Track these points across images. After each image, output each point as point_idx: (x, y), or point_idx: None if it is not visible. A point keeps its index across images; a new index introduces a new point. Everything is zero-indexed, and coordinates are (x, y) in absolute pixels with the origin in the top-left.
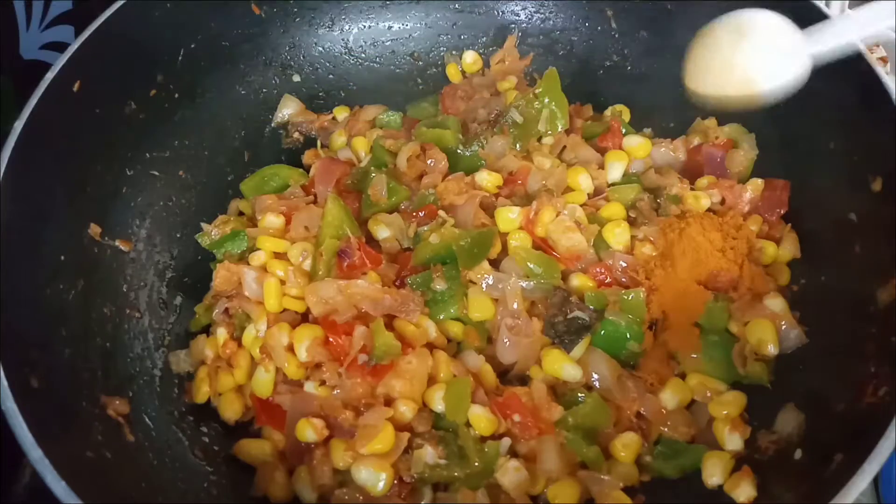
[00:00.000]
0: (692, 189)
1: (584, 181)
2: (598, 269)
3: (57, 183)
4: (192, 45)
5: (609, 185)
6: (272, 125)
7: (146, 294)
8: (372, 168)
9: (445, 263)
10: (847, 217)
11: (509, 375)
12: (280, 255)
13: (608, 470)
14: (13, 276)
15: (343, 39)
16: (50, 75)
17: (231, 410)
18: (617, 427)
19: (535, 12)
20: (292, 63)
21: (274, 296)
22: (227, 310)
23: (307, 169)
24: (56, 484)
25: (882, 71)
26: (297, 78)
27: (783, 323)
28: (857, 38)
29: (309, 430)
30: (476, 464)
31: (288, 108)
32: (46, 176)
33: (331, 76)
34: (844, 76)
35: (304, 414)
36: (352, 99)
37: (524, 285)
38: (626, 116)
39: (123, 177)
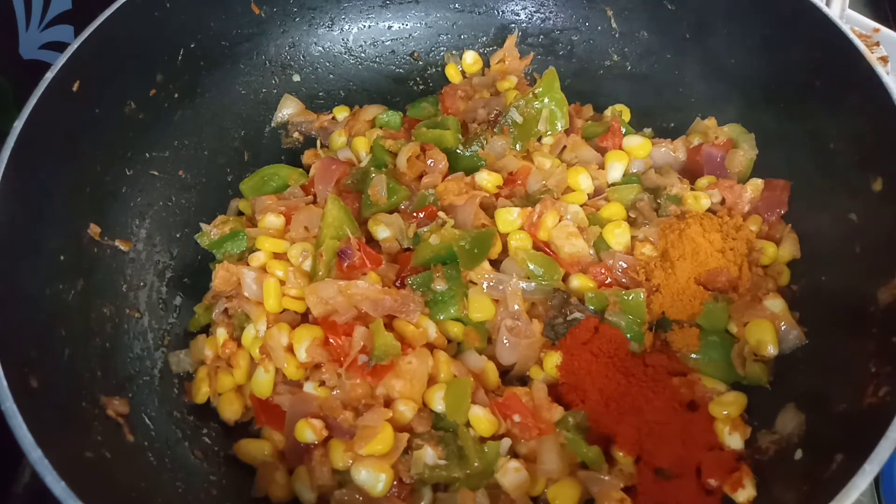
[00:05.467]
0: (692, 189)
1: (584, 181)
2: (598, 270)
3: (57, 183)
4: (192, 45)
5: (609, 185)
6: (272, 125)
7: (146, 294)
8: (372, 168)
9: (445, 264)
10: (847, 217)
11: (509, 376)
12: (280, 256)
13: (608, 470)
14: (13, 276)
15: (343, 39)
16: (49, 75)
17: (231, 410)
18: None
19: (535, 12)
20: (292, 63)
21: (273, 296)
22: (226, 310)
23: (307, 169)
24: (56, 484)
25: (882, 71)
26: (297, 78)
27: (783, 323)
28: None
29: (308, 431)
30: (476, 464)
31: (288, 108)
32: (46, 176)
33: (331, 76)
34: (845, 76)
35: (304, 414)
36: (352, 99)
37: (525, 286)
38: (626, 116)
39: (123, 177)
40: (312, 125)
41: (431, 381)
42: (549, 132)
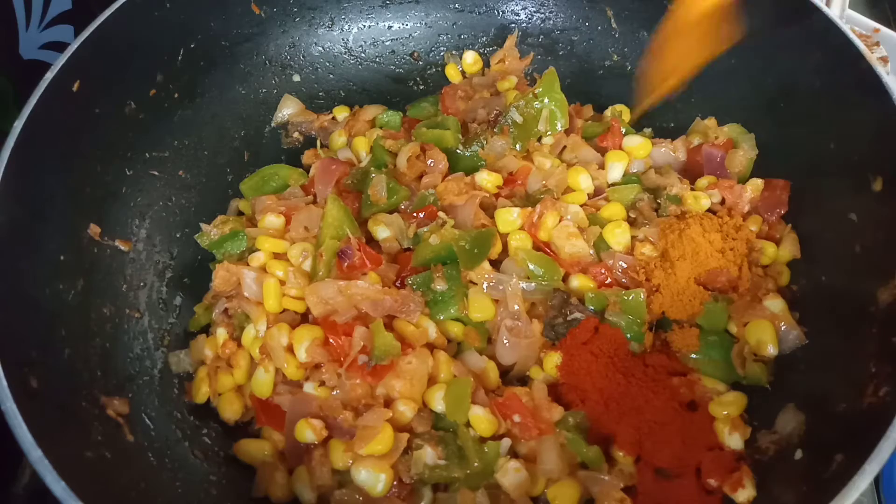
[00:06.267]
0: (692, 189)
1: (584, 181)
2: (598, 270)
3: (57, 183)
4: (192, 45)
5: (609, 186)
6: (272, 125)
7: (146, 294)
8: (372, 168)
9: (446, 264)
10: (847, 217)
11: (509, 376)
12: (280, 256)
13: (608, 470)
14: (13, 276)
15: (343, 39)
16: (50, 75)
17: (231, 410)
18: None
19: (535, 12)
20: (292, 63)
21: (273, 296)
22: (226, 310)
23: (307, 169)
24: (56, 484)
25: (882, 71)
26: (297, 78)
27: (782, 324)
28: None
29: (308, 431)
30: (476, 464)
31: (288, 108)
32: (46, 176)
33: (331, 76)
34: (845, 76)
35: (304, 414)
36: (352, 99)
37: (525, 286)
38: (626, 116)
39: (123, 177)
40: (312, 125)
41: (431, 381)
42: (549, 132)
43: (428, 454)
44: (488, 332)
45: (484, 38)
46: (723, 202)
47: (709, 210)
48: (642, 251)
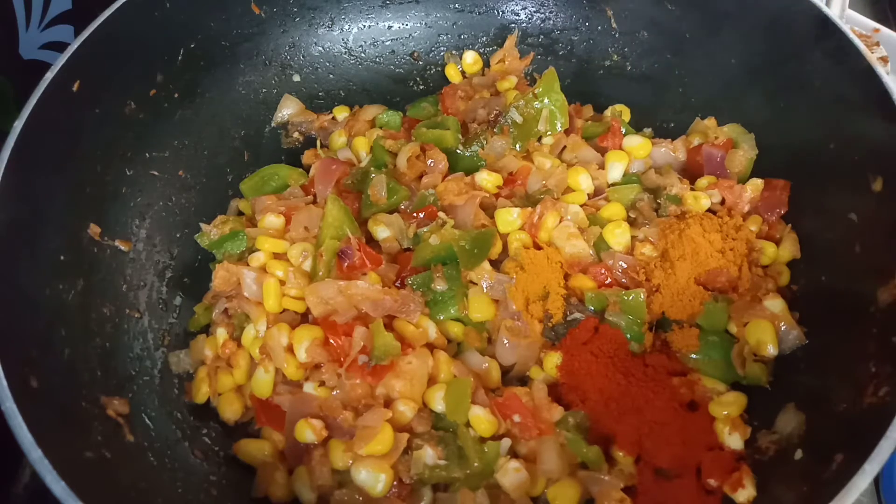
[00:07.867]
0: (692, 189)
1: (584, 181)
2: (598, 270)
3: (57, 183)
4: (192, 45)
5: (609, 186)
6: (272, 125)
7: (146, 294)
8: (372, 168)
9: (445, 264)
10: (847, 217)
11: (509, 376)
12: (280, 256)
13: (608, 470)
14: (13, 276)
15: (343, 39)
16: (50, 75)
17: (231, 410)
18: None
19: (535, 12)
20: (292, 63)
21: (273, 296)
22: (226, 310)
23: (307, 169)
24: (56, 484)
25: (882, 71)
26: (297, 78)
27: (782, 324)
28: None
29: (308, 431)
30: (476, 464)
31: (288, 108)
32: (46, 176)
33: (331, 76)
34: (845, 76)
35: (304, 414)
36: (352, 99)
37: None
38: (626, 116)
39: (123, 177)
40: (312, 125)
41: (431, 381)
42: (549, 132)
43: (428, 454)
44: (488, 332)
45: (484, 38)
46: (723, 202)
47: (709, 210)
48: (642, 251)
